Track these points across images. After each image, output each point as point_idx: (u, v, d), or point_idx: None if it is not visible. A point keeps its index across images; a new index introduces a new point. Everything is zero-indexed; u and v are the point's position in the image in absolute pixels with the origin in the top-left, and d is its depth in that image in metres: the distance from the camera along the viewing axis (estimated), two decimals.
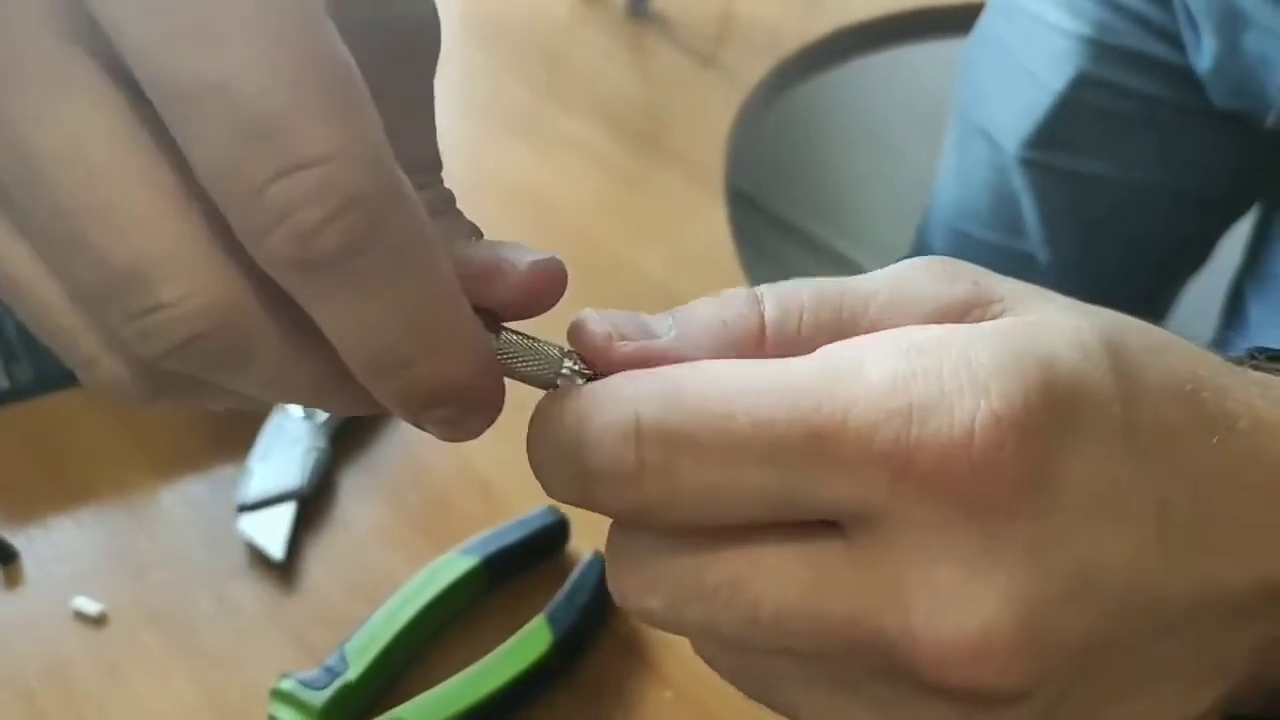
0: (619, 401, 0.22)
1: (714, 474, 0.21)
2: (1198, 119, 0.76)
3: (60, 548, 0.51)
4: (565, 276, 0.24)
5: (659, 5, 0.93)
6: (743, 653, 0.24)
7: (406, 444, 0.56)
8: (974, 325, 0.23)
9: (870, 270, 0.25)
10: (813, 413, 0.21)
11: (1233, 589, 0.23)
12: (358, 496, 0.53)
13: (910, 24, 0.95)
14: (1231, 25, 0.68)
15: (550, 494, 0.24)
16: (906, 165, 1.16)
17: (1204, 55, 0.71)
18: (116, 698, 0.45)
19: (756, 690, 0.25)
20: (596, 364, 0.24)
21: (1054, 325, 0.23)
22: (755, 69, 0.87)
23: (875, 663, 0.22)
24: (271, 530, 0.51)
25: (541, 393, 0.24)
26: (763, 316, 0.24)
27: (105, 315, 0.20)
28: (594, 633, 0.47)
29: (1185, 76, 0.74)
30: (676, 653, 0.47)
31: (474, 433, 0.23)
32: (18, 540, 0.50)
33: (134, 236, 0.19)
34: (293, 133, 0.18)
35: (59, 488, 0.53)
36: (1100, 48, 0.76)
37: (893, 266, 0.25)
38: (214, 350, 0.20)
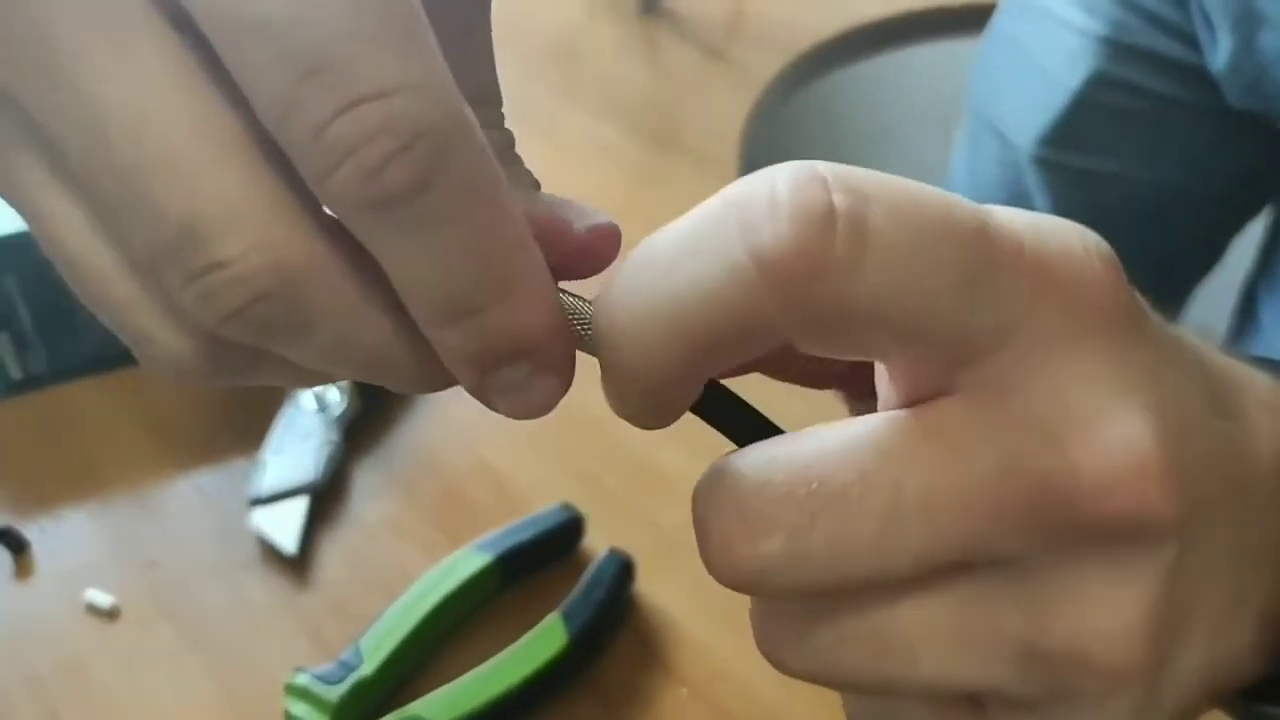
0: (798, 166, 0.20)
1: (905, 244, 0.20)
2: (1212, 119, 0.76)
3: (72, 539, 0.50)
4: (619, 240, 0.23)
5: (671, 2, 0.93)
6: (866, 600, 0.22)
7: (420, 438, 0.55)
8: None
9: None
10: (982, 217, 0.21)
11: (1261, 469, 0.23)
12: (371, 491, 0.53)
13: (924, 22, 0.95)
14: (1248, 25, 0.68)
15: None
16: (920, 165, 1.16)
17: (1219, 54, 0.70)
18: (129, 691, 0.45)
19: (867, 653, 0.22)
20: None
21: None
22: (769, 66, 0.87)
23: (1034, 523, 0.20)
24: (284, 524, 0.50)
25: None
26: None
27: (164, 279, 0.19)
28: (609, 630, 0.47)
29: (1200, 76, 0.73)
30: (692, 650, 0.47)
31: (544, 403, 0.21)
32: (29, 531, 0.50)
33: (193, 189, 0.18)
34: (354, 65, 0.17)
35: (71, 478, 0.53)
36: (1115, 47, 0.76)
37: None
38: (278, 312, 0.19)
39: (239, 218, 0.19)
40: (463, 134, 0.18)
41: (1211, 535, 0.22)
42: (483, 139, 0.19)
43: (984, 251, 0.20)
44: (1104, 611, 0.21)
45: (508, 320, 0.20)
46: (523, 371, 0.21)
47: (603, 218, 0.23)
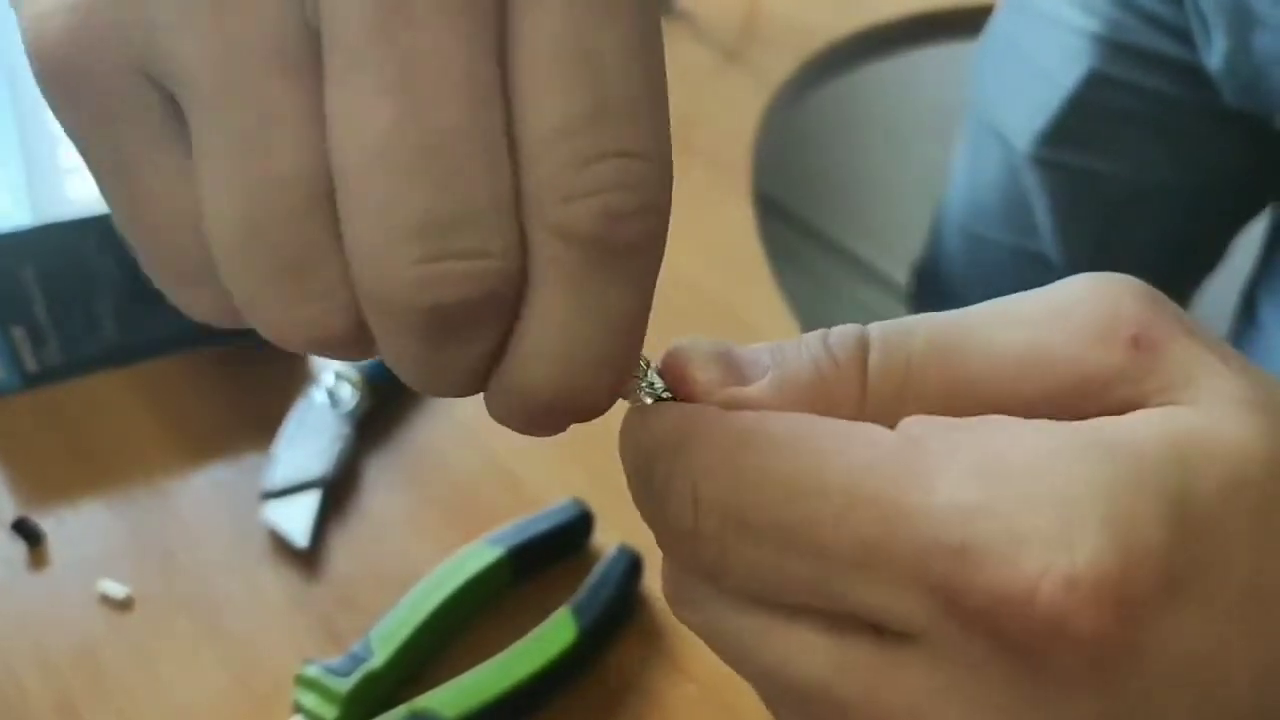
0: (682, 465, 0.22)
1: (761, 557, 0.21)
2: (1210, 118, 0.76)
3: (87, 530, 0.51)
4: None
5: (685, 3, 0.93)
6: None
7: (431, 433, 0.56)
8: (1097, 441, 0.20)
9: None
10: (867, 524, 0.20)
11: None
12: (383, 485, 0.54)
13: (938, 24, 0.95)
14: (1242, 24, 0.67)
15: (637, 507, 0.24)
16: (930, 170, 1.16)
17: (1215, 54, 0.70)
18: (142, 681, 0.45)
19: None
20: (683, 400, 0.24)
21: (1209, 444, 0.20)
22: (782, 67, 0.87)
23: None
24: (296, 517, 0.51)
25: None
26: (866, 368, 0.22)
27: (389, 253, 0.19)
28: (619, 626, 0.47)
29: (1198, 75, 0.73)
30: (701, 647, 0.47)
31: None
32: (45, 522, 0.50)
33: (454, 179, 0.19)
34: (631, 122, 0.19)
35: (86, 470, 0.53)
36: (1112, 45, 0.76)
37: (1042, 298, 0.22)
38: (479, 313, 0.20)
39: (490, 216, 0.19)
40: (668, 215, 0.20)
41: None
42: None
43: (854, 563, 0.20)
44: None
45: (596, 386, 0.21)
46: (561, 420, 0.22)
47: None
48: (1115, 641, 0.18)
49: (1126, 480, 0.19)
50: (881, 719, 0.21)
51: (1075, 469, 0.19)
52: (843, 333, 0.23)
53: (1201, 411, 0.20)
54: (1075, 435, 0.20)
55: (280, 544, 0.50)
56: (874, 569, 0.20)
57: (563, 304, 0.20)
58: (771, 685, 0.23)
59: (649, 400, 0.24)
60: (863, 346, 0.23)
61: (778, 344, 0.24)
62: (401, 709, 0.43)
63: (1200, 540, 0.19)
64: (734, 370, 0.23)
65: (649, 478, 0.23)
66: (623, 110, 0.19)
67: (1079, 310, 0.21)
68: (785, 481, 0.21)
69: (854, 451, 0.21)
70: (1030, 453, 0.19)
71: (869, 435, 0.21)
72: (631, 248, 0.19)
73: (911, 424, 0.21)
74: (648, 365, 0.24)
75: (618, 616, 0.47)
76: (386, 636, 0.45)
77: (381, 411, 0.56)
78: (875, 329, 0.23)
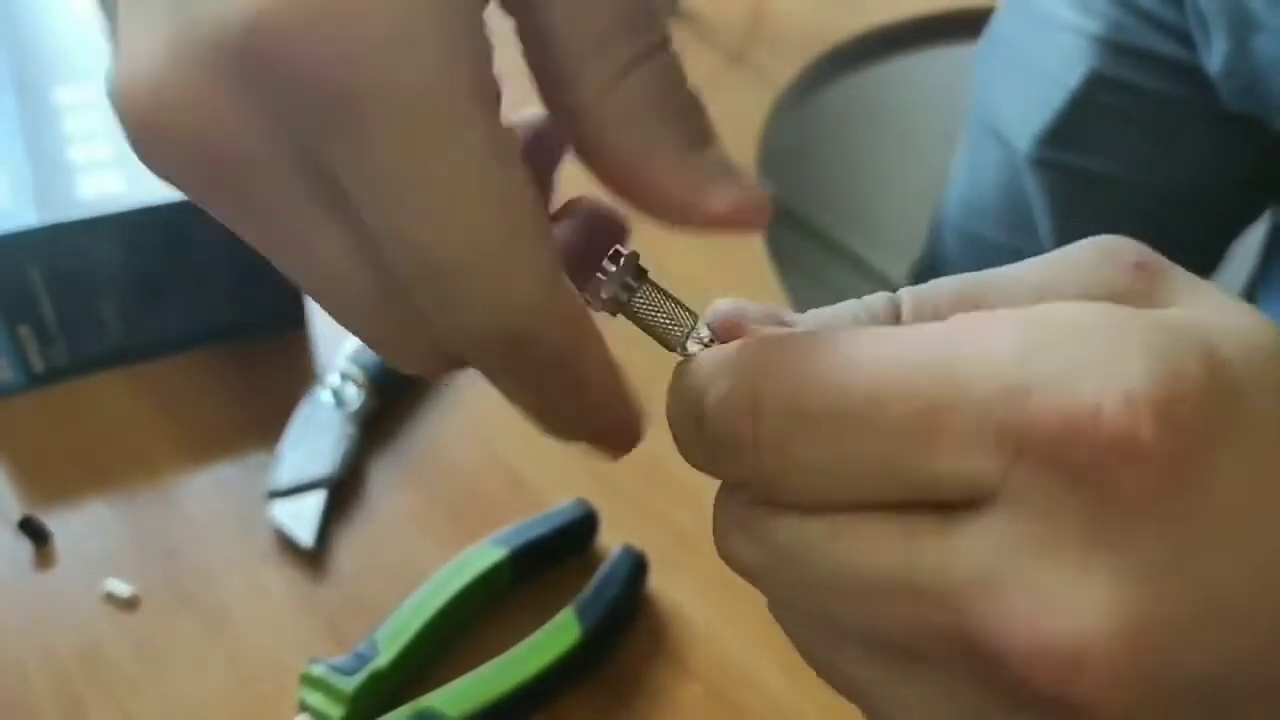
0: (740, 374, 0.22)
1: (826, 449, 0.21)
2: (1211, 119, 0.75)
3: (92, 529, 0.51)
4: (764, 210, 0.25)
5: (691, 4, 0.93)
6: (822, 627, 0.23)
7: (436, 433, 0.56)
8: (1128, 309, 0.21)
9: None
10: (927, 388, 0.20)
11: None
12: (388, 485, 0.54)
13: (943, 25, 0.95)
14: (1242, 27, 0.67)
15: (685, 459, 0.24)
16: (934, 172, 1.16)
17: (1215, 57, 0.70)
18: (148, 680, 0.45)
19: (824, 667, 0.24)
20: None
21: (1221, 318, 0.22)
22: (787, 68, 0.87)
23: (957, 651, 0.20)
24: (302, 517, 0.51)
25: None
26: (899, 317, 0.24)
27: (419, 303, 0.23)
28: (623, 626, 0.47)
29: (1199, 76, 0.73)
30: (706, 647, 0.47)
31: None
32: (51, 521, 0.51)
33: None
34: (466, 279, 0.21)
35: (92, 470, 0.53)
36: (1113, 46, 0.76)
37: (1052, 253, 0.24)
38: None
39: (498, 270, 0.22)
40: (546, 326, 0.23)
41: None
42: (574, 319, 0.23)
43: (919, 431, 0.20)
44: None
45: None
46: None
47: (740, 193, 0.25)
48: (1176, 461, 0.19)
49: (1161, 331, 0.20)
50: (954, 596, 0.20)
51: (1115, 320, 0.20)
52: (876, 296, 0.25)
53: (1209, 311, 0.22)
54: (1109, 306, 0.21)
55: (285, 543, 0.50)
56: (939, 431, 0.20)
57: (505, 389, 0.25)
58: (838, 594, 0.22)
59: (697, 349, 0.25)
60: (895, 303, 0.24)
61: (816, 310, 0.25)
62: (406, 708, 0.43)
63: (1231, 387, 0.20)
64: (771, 316, 0.25)
65: (705, 402, 0.23)
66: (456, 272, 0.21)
67: (1084, 251, 0.24)
68: (843, 366, 0.21)
69: (905, 333, 0.21)
70: (1071, 311, 0.21)
71: (917, 325, 0.22)
72: (503, 363, 0.23)
73: (957, 315, 0.22)
74: (695, 318, 0.25)
75: (622, 617, 0.47)
76: (392, 636, 0.45)
77: (386, 411, 0.56)
78: (905, 291, 0.25)
